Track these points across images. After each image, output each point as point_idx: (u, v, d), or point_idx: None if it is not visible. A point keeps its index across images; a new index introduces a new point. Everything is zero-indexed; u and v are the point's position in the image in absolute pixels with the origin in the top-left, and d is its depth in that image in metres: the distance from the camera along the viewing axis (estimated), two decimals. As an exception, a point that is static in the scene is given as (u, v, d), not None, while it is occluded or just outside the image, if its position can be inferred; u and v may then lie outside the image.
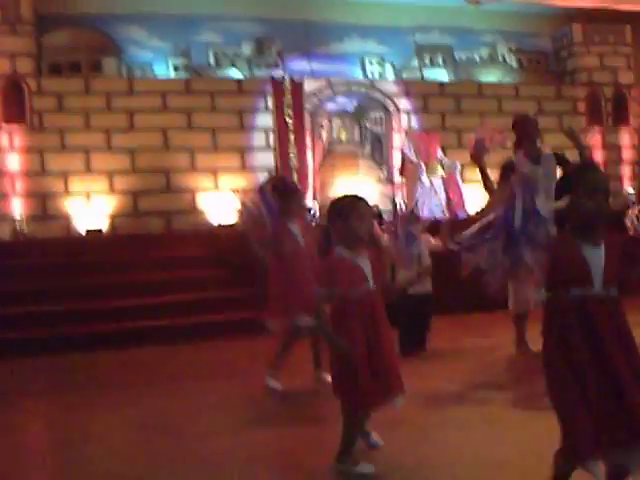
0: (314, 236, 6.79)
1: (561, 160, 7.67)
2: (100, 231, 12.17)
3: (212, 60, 13.87)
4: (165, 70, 13.56)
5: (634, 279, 3.48)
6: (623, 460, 3.37)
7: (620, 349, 3.33)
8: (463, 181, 13.74)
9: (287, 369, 6.75)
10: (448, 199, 13.47)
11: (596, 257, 3.38)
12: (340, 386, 4.53)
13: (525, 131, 7.68)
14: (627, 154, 15.51)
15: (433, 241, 8.39)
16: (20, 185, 12.11)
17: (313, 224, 10.27)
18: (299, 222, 6.88)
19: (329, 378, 4.87)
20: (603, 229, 3.45)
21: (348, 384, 4.45)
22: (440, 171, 13.53)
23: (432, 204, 13.30)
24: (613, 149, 15.34)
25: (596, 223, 3.42)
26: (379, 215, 11.65)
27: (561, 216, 3.51)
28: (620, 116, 15.54)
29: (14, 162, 12.10)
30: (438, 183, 13.47)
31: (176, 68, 13.62)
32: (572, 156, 7.65)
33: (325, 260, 4.71)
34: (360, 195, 4.76)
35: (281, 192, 6.83)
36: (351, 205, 4.58)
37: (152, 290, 10.50)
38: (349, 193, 4.85)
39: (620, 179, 15.29)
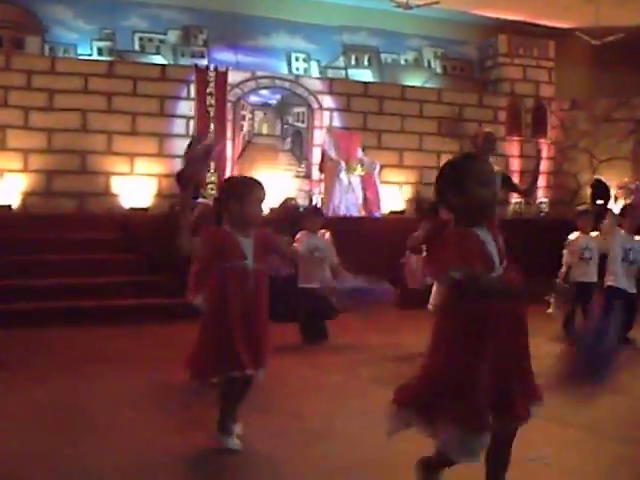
0: None
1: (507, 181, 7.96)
2: (9, 207, 12.03)
3: (137, 45, 13.87)
4: (89, 52, 13.48)
5: None
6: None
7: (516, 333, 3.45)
8: (380, 181, 13.92)
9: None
10: (365, 198, 13.60)
11: (490, 240, 3.48)
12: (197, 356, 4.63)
13: (484, 146, 7.80)
14: (543, 165, 15.79)
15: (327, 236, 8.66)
16: None
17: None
18: None
19: None
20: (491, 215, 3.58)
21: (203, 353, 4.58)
22: (359, 170, 13.64)
23: (349, 202, 13.43)
24: (530, 159, 15.60)
25: (491, 211, 3.55)
26: (296, 209, 11.76)
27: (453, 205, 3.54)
28: (539, 128, 15.88)
29: None
30: (356, 181, 13.57)
31: (100, 51, 13.57)
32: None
33: (209, 232, 4.69)
34: (258, 179, 4.80)
35: None
36: (248, 187, 4.63)
37: (61, 270, 10.42)
38: (246, 176, 4.89)
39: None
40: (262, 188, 4.69)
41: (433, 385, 3.47)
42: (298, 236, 8.49)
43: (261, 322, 4.64)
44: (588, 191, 15.08)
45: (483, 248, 3.45)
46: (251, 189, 4.61)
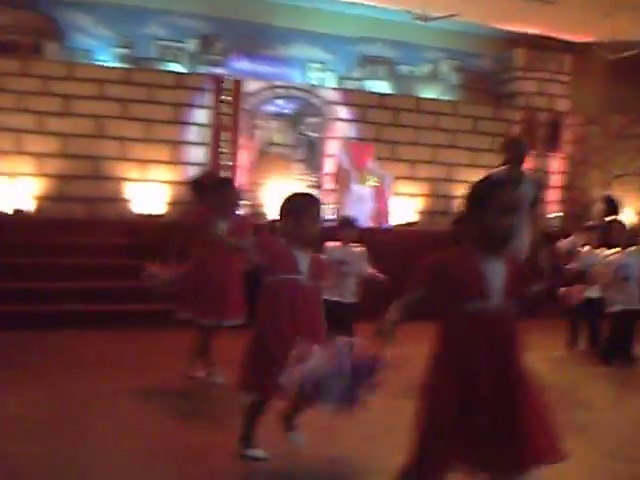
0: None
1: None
2: (21, 211, 12.19)
3: (155, 53, 14.01)
4: (107, 59, 13.62)
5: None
6: None
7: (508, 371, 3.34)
8: (394, 193, 13.97)
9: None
10: (375, 209, 13.64)
11: (496, 271, 3.37)
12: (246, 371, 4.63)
13: (517, 154, 7.85)
14: (556, 179, 15.85)
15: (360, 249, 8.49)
16: (-54, 161, 12.08)
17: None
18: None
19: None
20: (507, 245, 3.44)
21: (255, 368, 4.57)
22: (371, 181, 13.69)
23: (360, 212, 13.47)
24: (546, 174, 15.65)
25: (506, 241, 3.41)
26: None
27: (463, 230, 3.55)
28: (552, 142, 15.87)
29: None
30: (368, 192, 13.62)
31: (118, 58, 13.70)
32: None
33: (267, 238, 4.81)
34: (315, 197, 4.85)
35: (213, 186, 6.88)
36: (305, 204, 4.67)
37: (70, 274, 10.50)
38: (304, 192, 4.96)
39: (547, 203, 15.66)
40: (318, 204, 4.74)
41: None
42: (328, 247, 8.41)
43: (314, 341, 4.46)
44: (599, 207, 15.06)
45: (476, 276, 3.36)
46: (308, 205, 4.68)
